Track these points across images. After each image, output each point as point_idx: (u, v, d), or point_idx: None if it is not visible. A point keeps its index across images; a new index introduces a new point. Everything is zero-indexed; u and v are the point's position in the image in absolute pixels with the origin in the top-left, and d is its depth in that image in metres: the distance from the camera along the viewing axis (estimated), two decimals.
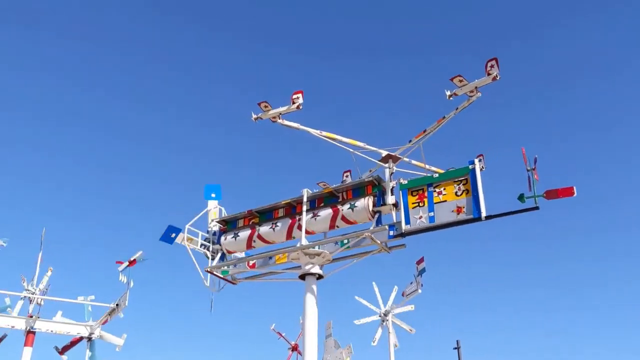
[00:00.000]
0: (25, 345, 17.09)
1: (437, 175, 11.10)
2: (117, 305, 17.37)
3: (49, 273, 19.33)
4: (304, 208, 11.91)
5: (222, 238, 12.97)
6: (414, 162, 12.18)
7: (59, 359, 18.03)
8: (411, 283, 20.44)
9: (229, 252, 12.95)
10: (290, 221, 12.25)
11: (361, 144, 11.98)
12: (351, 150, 11.98)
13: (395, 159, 11.75)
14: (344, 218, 11.61)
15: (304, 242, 11.64)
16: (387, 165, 11.68)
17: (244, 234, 12.68)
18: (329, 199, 12.09)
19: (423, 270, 16.48)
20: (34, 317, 17.42)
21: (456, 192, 10.84)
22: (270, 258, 12.61)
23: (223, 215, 13.27)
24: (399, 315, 23.95)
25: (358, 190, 11.81)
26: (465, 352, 30.86)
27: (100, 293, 19.58)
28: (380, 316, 24.49)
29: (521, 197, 10.19)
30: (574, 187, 9.97)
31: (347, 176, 13.53)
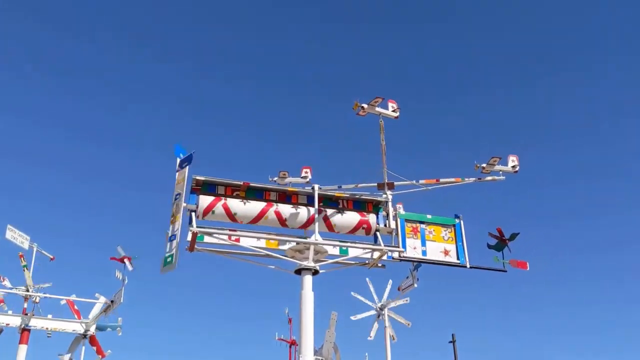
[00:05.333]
0: (20, 342, 17.28)
1: (429, 217, 12.70)
2: (112, 301, 17.56)
3: (23, 262, 18.01)
4: (316, 204, 11.75)
5: (201, 198, 11.36)
6: (390, 194, 13.27)
7: (53, 357, 18.25)
8: (407, 277, 19.99)
9: (205, 217, 11.40)
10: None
11: (384, 163, 12.63)
12: (385, 166, 12.51)
13: (390, 186, 12.80)
14: None
15: (319, 238, 11.44)
16: (384, 190, 12.63)
17: (232, 202, 11.47)
18: (327, 200, 12.17)
19: (419, 264, 16.61)
20: (28, 314, 17.47)
21: (443, 237, 12.63)
22: (258, 239, 11.67)
23: (200, 176, 11.59)
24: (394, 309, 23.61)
25: (359, 204, 12.33)
26: (460, 346, 30.69)
27: (97, 290, 18.41)
28: (376, 310, 24.03)
29: (495, 258, 12.78)
30: (528, 263, 13.09)
31: (306, 172, 13.66)
